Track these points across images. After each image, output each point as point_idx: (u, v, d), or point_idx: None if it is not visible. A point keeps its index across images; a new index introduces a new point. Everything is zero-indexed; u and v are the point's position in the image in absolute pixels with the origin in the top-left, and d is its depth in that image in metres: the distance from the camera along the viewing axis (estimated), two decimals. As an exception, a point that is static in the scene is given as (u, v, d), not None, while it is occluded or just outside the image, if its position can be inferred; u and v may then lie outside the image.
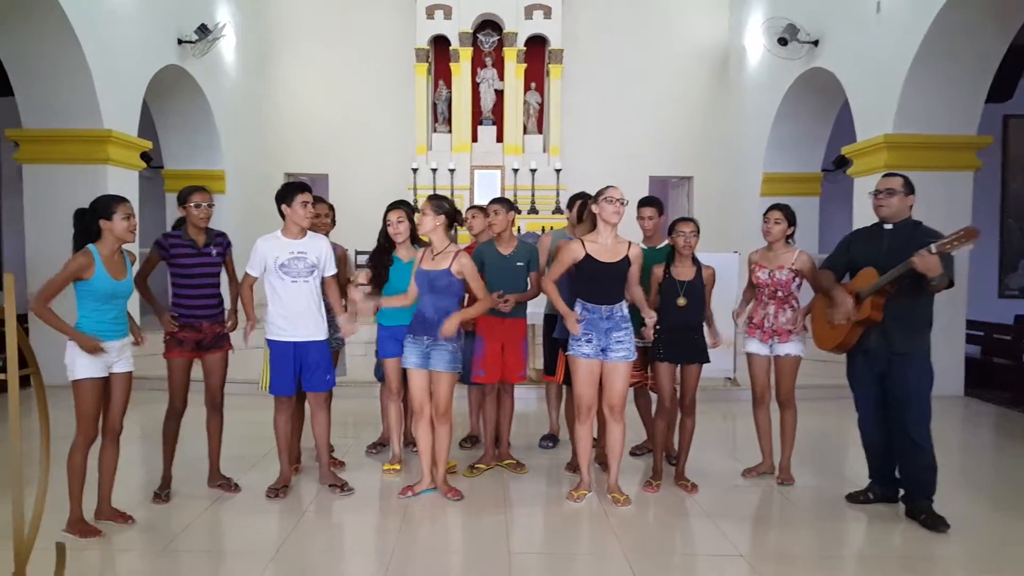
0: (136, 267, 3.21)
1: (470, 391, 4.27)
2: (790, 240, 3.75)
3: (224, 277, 3.59)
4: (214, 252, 3.45)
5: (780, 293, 3.71)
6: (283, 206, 3.44)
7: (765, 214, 3.79)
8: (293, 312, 3.41)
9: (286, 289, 3.41)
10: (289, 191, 3.44)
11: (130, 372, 3.12)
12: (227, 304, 3.59)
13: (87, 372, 2.92)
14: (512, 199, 9.10)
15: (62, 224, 6.10)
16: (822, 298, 3.51)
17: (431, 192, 9.09)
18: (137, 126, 6.70)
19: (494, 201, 3.90)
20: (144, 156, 7.05)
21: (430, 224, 3.40)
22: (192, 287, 3.42)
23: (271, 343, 3.46)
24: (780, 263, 3.70)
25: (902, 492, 3.39)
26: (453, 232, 3.73)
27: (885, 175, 3.42)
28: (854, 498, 3.48)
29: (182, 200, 3.41)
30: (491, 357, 3.82)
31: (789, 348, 3.71)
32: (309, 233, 3.52)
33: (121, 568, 2.79)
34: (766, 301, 3.76)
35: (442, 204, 3.44)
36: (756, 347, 3.77)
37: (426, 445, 3.50)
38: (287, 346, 3.43)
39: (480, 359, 3.83)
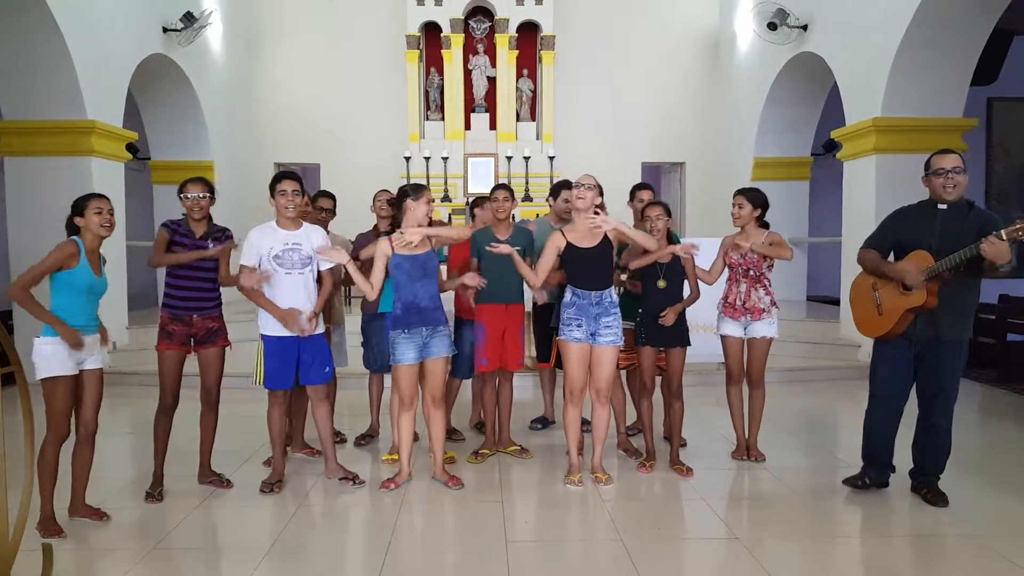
0: (108, 266, 3.17)
1: (473, 382, 4.33)
2: (762, 222, 3.80)
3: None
4: (210, 246, 3.38)
5: (752, 272, 3.75)
6: (271, 198, 3.43)
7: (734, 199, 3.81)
8: (286, 304, 3.36)
9: (280, 280, 3.37)
10: (273, 181, 3.46)
11: (101, 369, 3.09)
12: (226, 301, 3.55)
13: (58, 370, 2.87)
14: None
15: (45, 219, 6.04)
16: (863, 283, 3.33)
17: (424, 181, 9.05)
18: (122, 117, 6.59)
19: (501, 187, 3.90)
20: (130, 148, 6.96)
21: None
22: (184, 278, 3.37)
23: (265, 337, 3.41)
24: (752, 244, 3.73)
25: (911, 467, 3.38)
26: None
27: (940, 152, 3.16)
28: (851, 482, 3.46)
29: (180, 191, 3.42)
30: (493, 345, 3.82)
31: (762, 329, 3.76)
32: (305, 224, 3.48)
33: (112, 568, 2.75)
34: (739, 280, 3.78)
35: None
36: (731, 329, 3.81)
37: (409, 436, 3.49)
38: (282, 339, 3.38)
39: (483, 347, 3.83)
